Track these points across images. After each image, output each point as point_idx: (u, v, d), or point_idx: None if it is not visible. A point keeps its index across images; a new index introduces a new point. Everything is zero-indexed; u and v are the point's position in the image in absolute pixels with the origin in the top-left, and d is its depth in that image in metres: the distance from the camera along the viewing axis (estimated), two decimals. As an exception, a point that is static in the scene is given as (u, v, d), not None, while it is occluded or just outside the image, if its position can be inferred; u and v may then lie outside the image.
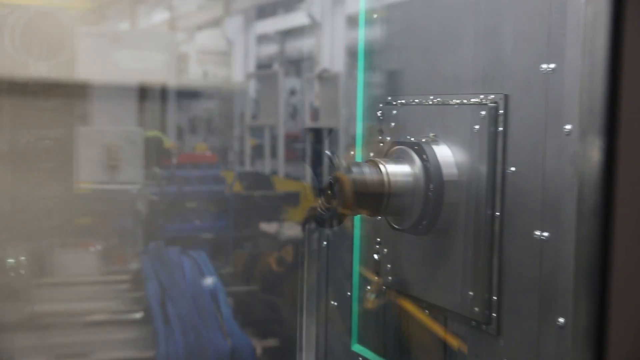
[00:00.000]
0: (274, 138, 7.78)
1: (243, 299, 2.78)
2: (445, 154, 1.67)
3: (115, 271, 2.16)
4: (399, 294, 1.96)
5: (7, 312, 1.84)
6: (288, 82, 8.50)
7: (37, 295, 1.87)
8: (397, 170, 1.78)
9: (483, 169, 1.52)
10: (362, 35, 2.28)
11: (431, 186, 1.64)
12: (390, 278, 2.01)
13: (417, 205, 1.67)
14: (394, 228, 1.86)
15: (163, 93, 2.64)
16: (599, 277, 1.17)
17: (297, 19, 10.64)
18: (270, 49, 11.52)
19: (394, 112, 2.05)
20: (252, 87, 8.53)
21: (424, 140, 1.74)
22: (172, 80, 2.89)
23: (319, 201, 2.46)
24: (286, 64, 10.87)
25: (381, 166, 1.84)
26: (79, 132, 2.12)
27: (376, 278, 2.65)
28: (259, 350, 2.78)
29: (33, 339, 1.89)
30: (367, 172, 1.77)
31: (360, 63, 2.30)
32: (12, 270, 1.80)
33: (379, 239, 2.11)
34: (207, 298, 2.32)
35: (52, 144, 1.88)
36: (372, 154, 2.12)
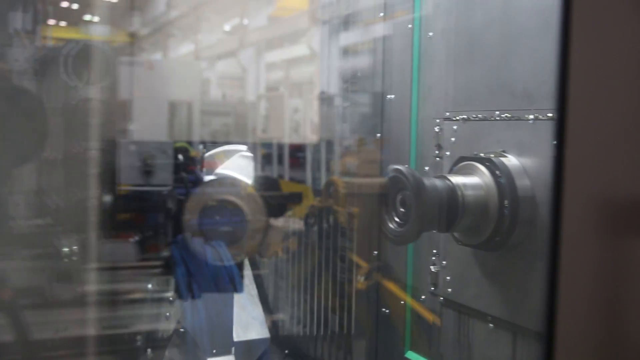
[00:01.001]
0: (280, 148, 7.77)
1: (255, 281, 2.76)
2: (517, 169, 1.40)
3: (149, 258, 2.14)
4: (458, 306, 1.66)
5: (63, 291, 1.83)
6: (292, 102, 8.49)
7: (87, 278, 1.85)
8: (469, 185, 1.50)
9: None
10: (416, 52, 2.02)
11: (506, 202, 1.38)
12: (449, 290, 1.73)
13: (491, 221, 1.41)
14: (461, 243, 1.54)
15: (189, 111, 2.62)
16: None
17: (299, 50, 10.63)
18: (277, 74, 11.51)
19: (454, 127, 1.75)
20: (262, 106, 8.53)
21: (492, 155, 1.48)
22: (196, 100, 2.88)
23: (318, 200, 2.41)
24: (290, 87, 10.87)
25: (453, 181, 1.53)
26: (120, 143, 2.11)
27: (365, 264, 2.59)
28: (268, 323, 2.76)
29: (84, 314, 1.89)
30: (440, 187, 1.47)
31: (415, 78, 2.05)
32: (66, 257, 1.79)
33: (435, 251, 1.81)
34: (225, 280, 2.31)
35: (97, 153, 1.87)
36: (426, 168, 1.81)
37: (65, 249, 1.79)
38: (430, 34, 1.87)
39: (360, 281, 2.98)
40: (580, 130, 0.92)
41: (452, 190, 1.47)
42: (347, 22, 2.84)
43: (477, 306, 1.61)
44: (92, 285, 1.91)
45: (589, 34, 0.93)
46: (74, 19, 2.02)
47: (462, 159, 1.55)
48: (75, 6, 1.95)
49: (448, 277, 1.77)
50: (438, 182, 1.51)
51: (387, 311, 2.12)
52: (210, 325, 2.20)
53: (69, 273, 1.71)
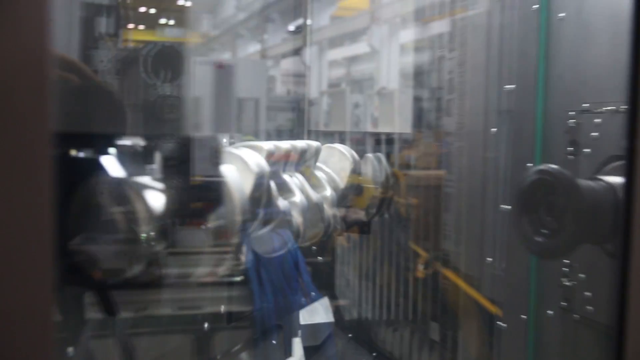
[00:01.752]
0: (342, 141, 7.76)
1: (319, 267, 2.79)
2: None
3: (220, 244, 2.17)
4: (604, 327, 1.35)
5: (142, 274, 1.88)
6: (353, 98, 8.49)
7: (164, 262, 1.91)
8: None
9: None
10: (542, 36, 1.76)
11: None
12: (590, 308, 1.47)
13: None
14: (614, 256, 1.21)
15: (256, 106, 2.67)
16: None
17: (360, 48, 10.62)
18: (339, 72, 11.51)
19: (597, 120, 1.50)
20: (324, 101, 8.56)
21: None
22: (262, 96, 2.93)
23: (378, 192, 2.38)
24: (351, 83, 10.85)
25: (611, 182, 1.26)
26: (194, 137, 2.16)
27: (424, 253, 2.55)
28: (332, 309, 2.79)
29: (161, 295, 1.96)
30: (598, 190, 1.19)
31: (541, 66, 1.79)
32: (145, 243, 1.83)
33: (568, 261, 1.53)
34: (291, 266, 2.35)
35: (174, 146, 1.93)
36: (554, 167, 1.42)
37: (144, 235, 1.84)
38: (562, 14, 1.67)
39: (420, 269, 2.97)
40: None
41: (612, 193, 1.24)
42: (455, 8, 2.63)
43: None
44: (168, 268, 1.97)
45: None
46: (151, 22, 2.09)
47: (614, 158, 1.30)
48: (152, 11, 2.02)
49: (588, 293, 1.56)
50: (594, 185, 1.27)
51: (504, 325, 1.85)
52: (277, 309, 2.25)
53: (147, 257, 1.77)
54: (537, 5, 1.73)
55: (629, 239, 0.92)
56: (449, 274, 2.68)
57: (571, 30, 1.57)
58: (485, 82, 2.23)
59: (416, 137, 3.11)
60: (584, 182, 1.25)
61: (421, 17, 3.06)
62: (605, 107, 1.48)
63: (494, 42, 2.19)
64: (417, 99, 3.14)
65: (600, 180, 1.21)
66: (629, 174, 0.84)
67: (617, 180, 1.21)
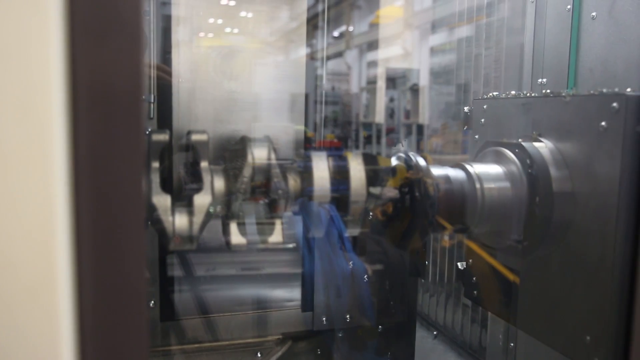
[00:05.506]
0: (378, 130, 7.78)
1: (359, 237, 2.78)
2: (554, 158, 0.91)
3: (276, 217, 2.18)
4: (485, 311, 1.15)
5: (210, 241, 1.91)
6: (388, 93, 8.42)
7: (229, 230, 1.93)
8: (491, 177, 1.02)
9: (612, 178, 0.70)
10: (574, 36, 1.63)
11: (537, 199, 0.90)
12: (476, 293, 1.29)
13: (518, 221, 0.93)
14: (485, 245, 1.09)
15: (306, 100, 2.67)
16: None
17: (394, 50, 10.49)
18: (376, 70, 11.42)
19: (485, 106, 1.32)
20: (363, 96, 8.52)
21: (524, 140, 1.01)
22: (311, 92, 2.93)
23: (408, 173, 2.35)
24: (387, 81, 10.77)
25: (471, 171, 1.09)
26: (253, 126, 2.16)
27: (449, 225, 2.49)
28: (369, 272, 2.79)
29: (226, 258, 2.00)
30: (455, 179, 1.04)
31: (572, 63, 1.68)
32: (213, 215, 1.85)
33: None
34: (335, 235, 2.35)
35: (239, 134, 1.95)
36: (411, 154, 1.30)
37: (213, 208, 1.86)
38: (594, 14, 1.52)
39: (445, 239, 2.94)
40: None
41: (470, 181, 1.02)
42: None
43: (503, 316, 1.12)
44: (233, 236, 1.99)
45: None
46: (218, 31, 2.12)
47: (488, 144, 1.04)
48: (219, 21, 2.05)
49: (474, 278, 1.33)
50: (451, 171, 1.05)
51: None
52: (323, 272, 2.27)
53: (216, 226, 1.80)
54: (570, 6, 1.66)
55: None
56: (471, 244, 2.64)
57: (602, 28, 1.46)
58: (518, 76, 2.16)
59: (442, 126, 3.07)
60: (442, 171, 1.07)
61: (451, 22, 3.01)
62: (492, 92, 1.39)
63: (528, 40, 2.09)
64: (444, 94, 3.10)
65: (464, 168, 0.99)
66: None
67: (479, 169, 0.97)
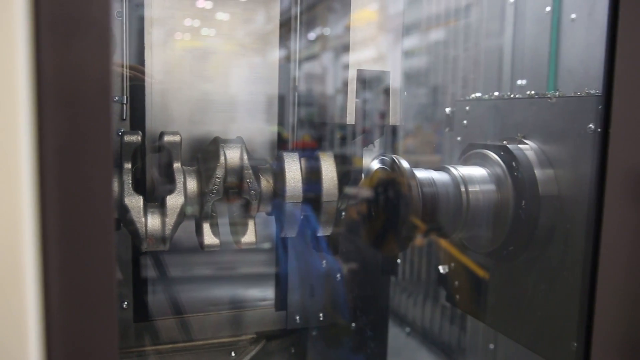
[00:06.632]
0: (353, 132, 7.77)
1: (334, 236, 2.79)
2: (539, 160, 0.88)
3: (249, 217, 2.17)
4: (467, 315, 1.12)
5: (184, 242, 1.88)
6: (362, 94, 8.42)
7: (201, 232, 1.90)
8: (476, 181, 0.98)
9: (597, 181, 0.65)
10: (554, 37, 1.59)
11: (523, 203, 0.86)
12: (458, 297, 1.24)
13: (503, 226, 0.89)
14: (468, 249, 1.06)
15: (280, 102, 2.67)
16: None
17: (369, 52, 10.55)
18: (351, 72, 11.42)
19: (467, 108, 1.31)
20: (338, 98, 8.53)
21: (508, 142, 0.96)
22: (285, 93, 2.92)
23: (384, 173, 2.34)
24: (361, 82, 10.78)
25: (455, 174, 1.09)
26: (227, 128, 2.14)
27: (423, 225, 2.48)
28: (345, 271, 2.80)
29: (203, 258, 1.99)
30: (439, 182, 1.02)
31: (552, 64, 1.62)
32: (186, 215, 1.82)
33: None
34: (310, 235, 2.36)
35: (212, 135, 1.92)
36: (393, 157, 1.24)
37: (189, 208, 1.84)
38: (573, 16, 1.48)
39: (418, 238, 2.96)
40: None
41: (454, 184, 0.97)
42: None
43: (486, 321, 1.08)
44: (206, 237, 1.97)
45: None
46: (194, 32, 2.11)
47: (471, 146, 0.99)
48: (196, 23, 2.04)
49: (456, 282, 1.28)
50: (435, 174, 1.02)
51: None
52: (298, 270, 2.27)
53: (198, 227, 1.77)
54: (550, 8, 1.63)
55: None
56: (443, 242, 2.67)
57: (582, 30, 1.44)
58: (497, 78, 2.12)
59: (416, 128, 3.09)
60: (426, 174, 1.03)
61: (429, 24, 3.03)
62: (475, 94, 1.41)
63: (508, 42, 2.04)
64: (420, 96, 3.12)
65: (448, 171, 0.93)
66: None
67: (463, 172, 0.94)
